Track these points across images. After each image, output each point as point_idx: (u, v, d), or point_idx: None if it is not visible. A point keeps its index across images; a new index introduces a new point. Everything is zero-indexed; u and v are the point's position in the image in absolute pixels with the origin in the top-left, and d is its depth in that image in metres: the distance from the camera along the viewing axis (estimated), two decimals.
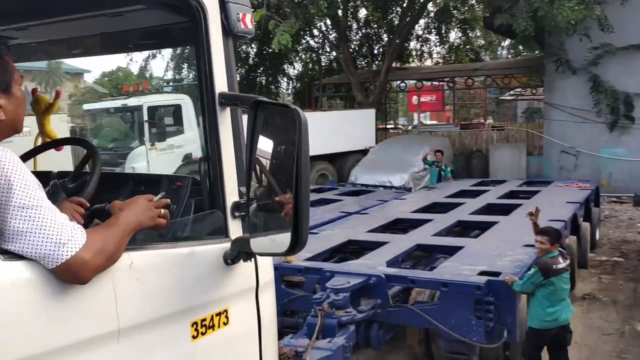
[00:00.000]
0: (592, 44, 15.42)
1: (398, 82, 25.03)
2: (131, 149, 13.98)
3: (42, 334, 1.40)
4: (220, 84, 1.97)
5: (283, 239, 1.66)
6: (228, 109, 1.98)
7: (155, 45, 6.95)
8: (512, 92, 29.11)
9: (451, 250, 6.18)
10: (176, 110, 14.82)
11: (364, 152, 17.27)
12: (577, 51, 15.73)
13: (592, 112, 16.13)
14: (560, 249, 5.07)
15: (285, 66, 26.37)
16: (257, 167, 1.79)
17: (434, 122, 33.52)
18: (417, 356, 5.80)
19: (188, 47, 12.88)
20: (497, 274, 5.08)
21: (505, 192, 10.46)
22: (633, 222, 12.77)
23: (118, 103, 14.67)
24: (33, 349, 1.38)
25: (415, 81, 24.43)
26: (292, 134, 1.61)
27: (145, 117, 13.88)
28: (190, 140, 14.52)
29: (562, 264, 4.87)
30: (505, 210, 8.48)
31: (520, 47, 25.69)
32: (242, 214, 1.96)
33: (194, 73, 24.45)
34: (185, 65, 24.57)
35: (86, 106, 17.55)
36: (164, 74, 25.23)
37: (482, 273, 5.14)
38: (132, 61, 23.66)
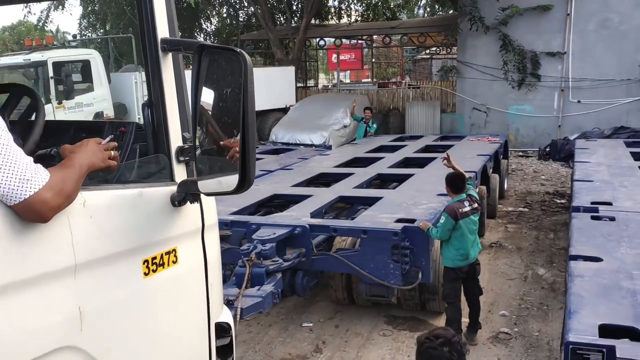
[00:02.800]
0: (501, 4, 15.92)
1: (317, 39, 24.92)
2: None
3: (1, 268, 1.42)
4: (162, 30, 1.99)
5: (229, 180, 1.75)
6: (170, 55, 2.02)
7: None
8: (427, 52, 29.73)
9: (371, 201, 6.42)
10: (85, 66, 14.12)
11: (284, 110, 17.16)
12: (488, 10, 16.18)
13: (502, 71, 16.61)
14: (470, 193, 5.27)
15: (202, 21, 25.75)
16: (201, 112, 1.83)
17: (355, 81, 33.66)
18: (340, 301, 6.08)
19: None
20: (412, 220, 5.34)
21: (421, 147, 10.82)
22: (537, 174, 13.34)
23: (19, 59, 13.74)
24: None
25: (334, 39, 24.34)
26: (237, 77, 1.68)
27: (51, 74, 13.13)
28: (100, 98, 13.97)
29: (467, 207, 5.09)
30: (421, 163, 8.83)
31: (437, 5, 26.13)
32: (186, 158, 2.03)
33: (102, 30, 23.41)
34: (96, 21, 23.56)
35: None
36: (80, 30, 24.08)
37: (399, 220, 5.39)
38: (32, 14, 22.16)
